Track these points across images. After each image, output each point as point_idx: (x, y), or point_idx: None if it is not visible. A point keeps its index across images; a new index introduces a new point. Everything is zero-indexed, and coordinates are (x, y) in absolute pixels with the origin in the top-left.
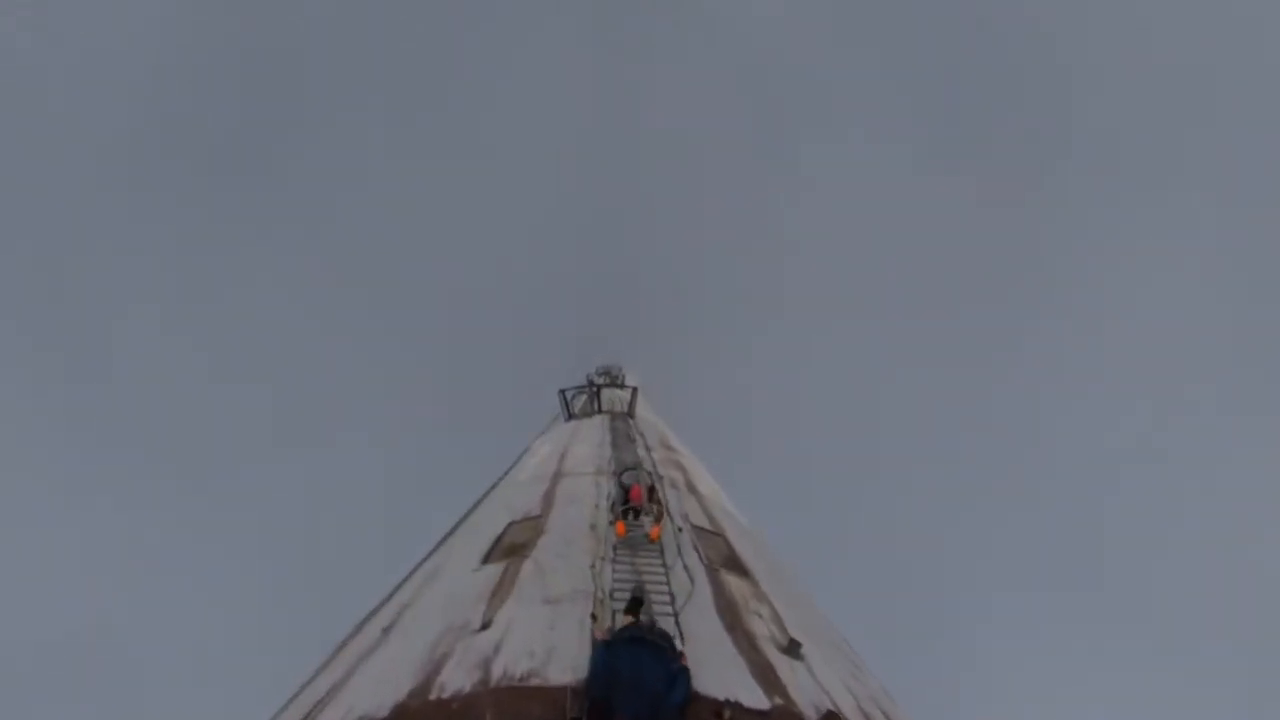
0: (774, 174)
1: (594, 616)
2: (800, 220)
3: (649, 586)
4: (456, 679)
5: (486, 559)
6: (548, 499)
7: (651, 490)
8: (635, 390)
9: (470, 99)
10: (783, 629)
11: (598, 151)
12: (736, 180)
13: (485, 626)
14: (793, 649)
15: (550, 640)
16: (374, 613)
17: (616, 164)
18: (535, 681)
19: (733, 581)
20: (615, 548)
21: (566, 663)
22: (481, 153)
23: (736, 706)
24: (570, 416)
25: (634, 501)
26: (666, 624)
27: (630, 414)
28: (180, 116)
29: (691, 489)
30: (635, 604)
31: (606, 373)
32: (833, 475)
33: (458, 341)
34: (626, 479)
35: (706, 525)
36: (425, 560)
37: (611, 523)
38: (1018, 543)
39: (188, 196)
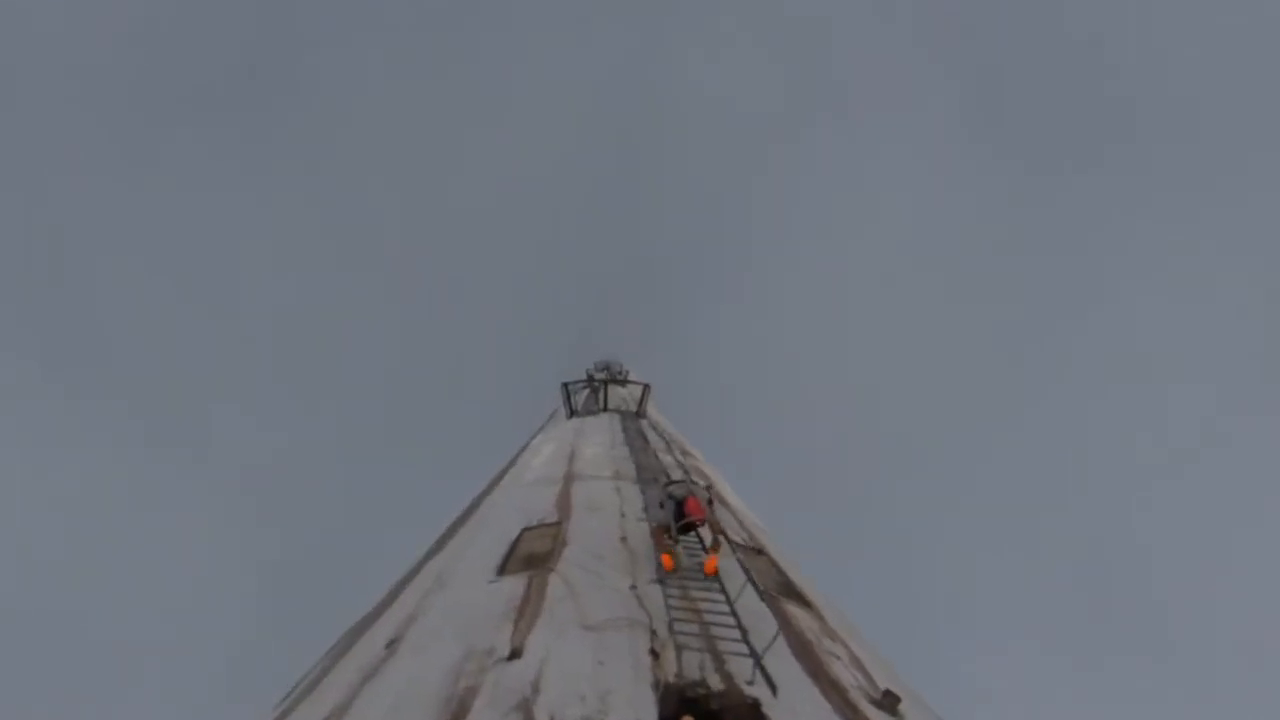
0: (788, 161)
1: (654, 653)
2: (811, 212)
3: (708, 618)
4: None
5: (502, 570)
6: (563, 504)
7: (710, 504)
8: (646, 388)
9: (476, 93)
10: (867, 676)
11: (602, 136)
12: (739, 175)
13: (515, 655)
14: (889, 703)
15: (601, 681)
16: (372, 618)
17: (622, 151)
18: None
19: (796, 614)
20: (658, 569)
21: (627, 713)
22: (476, 137)
23: None
24: (573, 413)
25: (693, 516)
26: (742, 667)
27: (640, 413)
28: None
29: (721, 501)
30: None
31: (606, 368)
32: (842, 478)
33: (448, 332)
34: (677, 491)
35: (747, 543)
36: (426, 562)
37: (671, 542)
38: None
39: (183, 183)
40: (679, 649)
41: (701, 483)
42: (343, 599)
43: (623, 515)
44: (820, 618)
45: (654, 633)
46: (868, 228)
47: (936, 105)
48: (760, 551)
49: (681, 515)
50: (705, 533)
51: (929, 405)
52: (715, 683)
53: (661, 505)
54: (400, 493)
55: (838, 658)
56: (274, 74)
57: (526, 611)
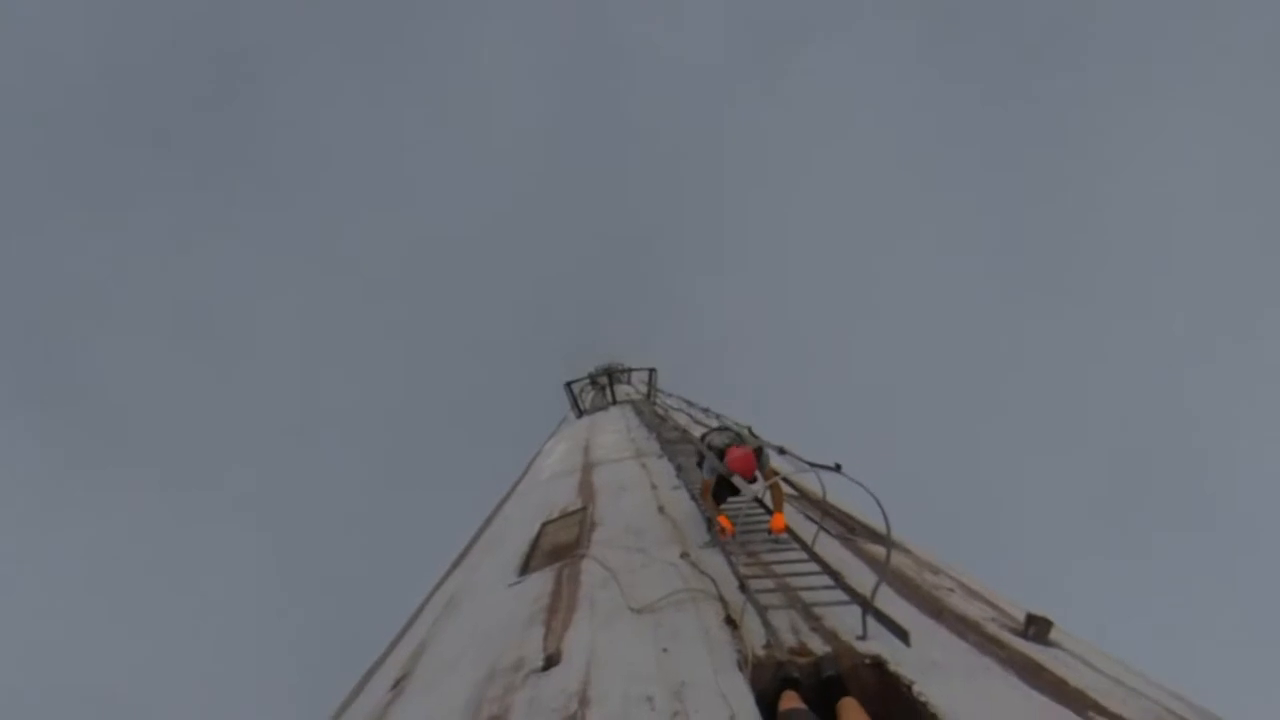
0: (758, 113)
1: (732, 622)
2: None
3: (780, 569)
4: None
5: (524, 569)
6: (586, 489)
7: (759, 452)
8: (652, 372)
9: (451, 83)
10: (992, 605)
11: (570, 124)
12: (708, 138)
13: (551, 662)
14: (1039, 630)
15: (671, 673)
16: (378, 664)
17: (591, 136)
18: None
19: (880, 553)
20: (711, 532)
21: (718, 709)
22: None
23: None
24: (581, 413)
25: (738, 469)
26: (846, 621)
27: (650, 398)
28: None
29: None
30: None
31: (607, 370)
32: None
33: (443, 343)
34: (716, 439)
35: (800, 490)
36: (438, 587)
37: (718, 502)
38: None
39: (170, 192)
40: (762, 610)
41: (745, 425)
42: (352, 628)
43: (654, 487)
44: (907, 551)
45: (723, 600)
46: (854, 162)
47: (903, 25)
48: (812, 496)
49: (725, 474)
50: (755, 487)
51: (941, 329)
52: (817, 645)
53: (700, 461)
54: (411, 512)
55: (950, 590)
56: (238, 97)
57: (559, 608)
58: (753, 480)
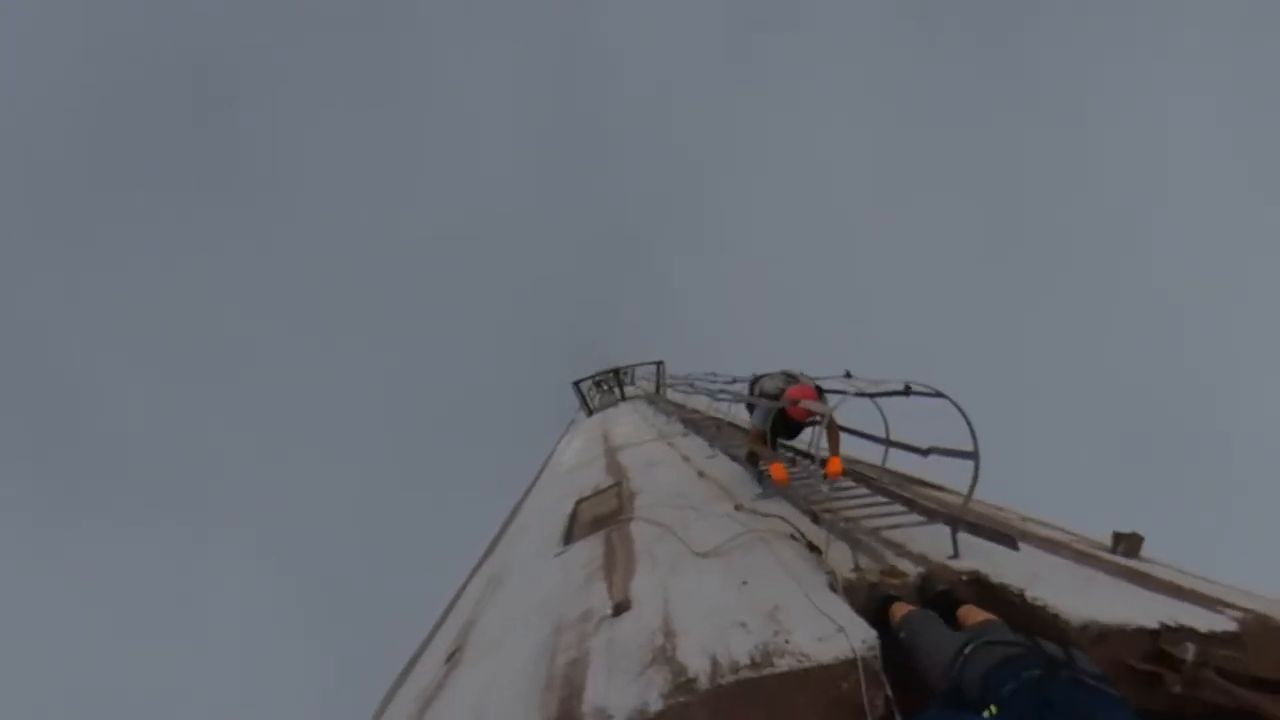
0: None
1: (814, 548)
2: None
3: (841, 504)
4: (625, 694)
5: (567, 540)
6: (615, 469)
7: (820, 391)
8: (660, 365)
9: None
10: (1068, 530)
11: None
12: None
13: (622, 609)
14: (1129, 546)
15: (758, 601)
16: (422, 650)
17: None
18: (786, 664)
19: (942, 497)
20: (765, 484)
21: (820, 624)
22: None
23: (1183, 633)
24: (591, 411)
25: (804, 403)
26: (933, 545)
27: (659, 390)
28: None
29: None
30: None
31: (613, 370)
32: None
33: (438, 353)
34: (769, 384)
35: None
36: (471, 577)
37: (772, 451)
38: None
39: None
40: (845, 534)
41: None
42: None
43: (687, 459)
44: (959, 494)
45: (796, 535)
46: (852, 143)
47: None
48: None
49: (781, 413)
50: (824, 407)
51: (940, 314)
52: (908, 567)
53: (751, 408)
54: (411, 515)
55: (1022, 520)
56: (231, 102)
57: (616, 565)
58: (812, 423)
